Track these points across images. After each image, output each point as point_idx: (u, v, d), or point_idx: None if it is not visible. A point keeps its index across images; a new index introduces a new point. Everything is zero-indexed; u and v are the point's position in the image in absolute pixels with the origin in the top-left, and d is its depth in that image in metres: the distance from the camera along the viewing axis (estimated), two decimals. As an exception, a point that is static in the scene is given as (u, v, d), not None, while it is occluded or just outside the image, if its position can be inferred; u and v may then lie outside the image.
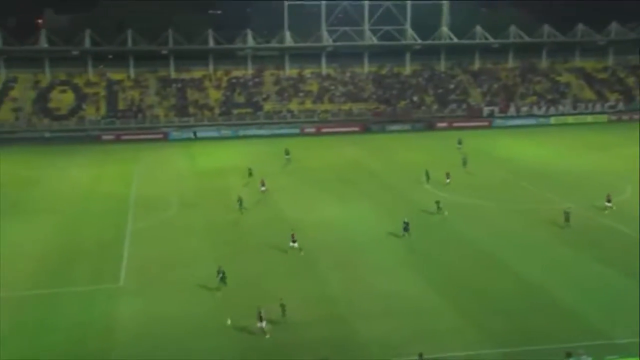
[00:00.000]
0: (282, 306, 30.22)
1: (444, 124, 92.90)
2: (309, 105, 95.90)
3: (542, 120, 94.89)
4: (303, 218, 46.84)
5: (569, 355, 24.79)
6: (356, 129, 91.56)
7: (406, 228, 41.11)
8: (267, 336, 28.65)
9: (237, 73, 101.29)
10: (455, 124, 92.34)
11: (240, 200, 48.66)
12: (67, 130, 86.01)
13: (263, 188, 53.79)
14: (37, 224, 46.36)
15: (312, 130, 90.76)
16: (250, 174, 58.53)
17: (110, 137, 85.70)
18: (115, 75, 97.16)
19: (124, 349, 28.13)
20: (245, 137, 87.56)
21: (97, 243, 42.17)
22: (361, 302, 32.65)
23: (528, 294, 33.21)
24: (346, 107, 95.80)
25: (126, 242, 42.37)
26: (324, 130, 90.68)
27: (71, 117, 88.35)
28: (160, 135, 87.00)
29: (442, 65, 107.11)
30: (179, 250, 40.77)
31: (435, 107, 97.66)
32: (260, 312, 28.89)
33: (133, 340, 28.87)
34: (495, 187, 55.58)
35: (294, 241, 39.35)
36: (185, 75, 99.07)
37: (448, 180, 55.29)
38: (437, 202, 46.96)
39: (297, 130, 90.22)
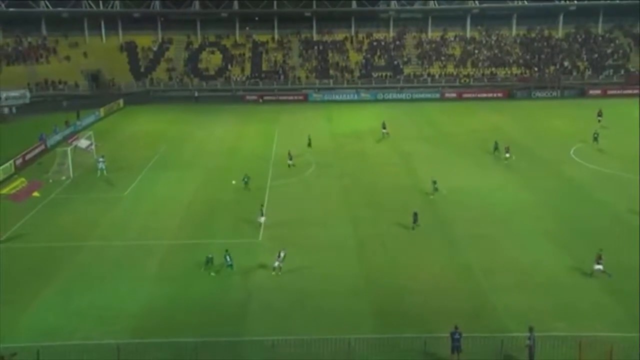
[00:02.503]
0: None
1: (597, 92, 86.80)
2: (450, 69, 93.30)
3: None
4: (440, 185, 45.83)
5: None
6: (499, 94, 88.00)
7: (415, 220, 37.34)
8: None
9: (378, 35, 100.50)
10: (610, 92, 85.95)
11: (246, 178, 45.37)
12: (214, 90, 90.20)
13: (290, 162, 51.02)
14: (185, 178, 49.10)
15: (453, 95, 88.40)
16: (309, 144, 56.56)
17: (253, 97, 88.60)
18: (260, 36, 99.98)
19: (261, 302, 29.19)
20: (384, 100, 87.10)
21: (239, 199, 43.81)
22: (498, 274, 31.53)
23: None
24: (490, 71, 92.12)
25: (266, 199, 43.75)
26: (465, 95, 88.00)
27: (218, 77, 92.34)
28: (301, 97, 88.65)
29: (599, 28, 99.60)
30: (315, 209, 41.48)
31: (588, 73, 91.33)
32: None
33: (269, 294, 29.86)
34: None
35: (262, 215, 38.00)
36: (327, 38, 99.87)
37: (507, 155, 51.48)
38: (434, 182, 43.43)
39: (437, 95, 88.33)
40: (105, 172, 49.78)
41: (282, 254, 31.66)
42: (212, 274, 31.76)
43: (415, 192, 44.68)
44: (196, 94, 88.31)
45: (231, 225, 38.65)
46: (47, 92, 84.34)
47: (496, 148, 53.81)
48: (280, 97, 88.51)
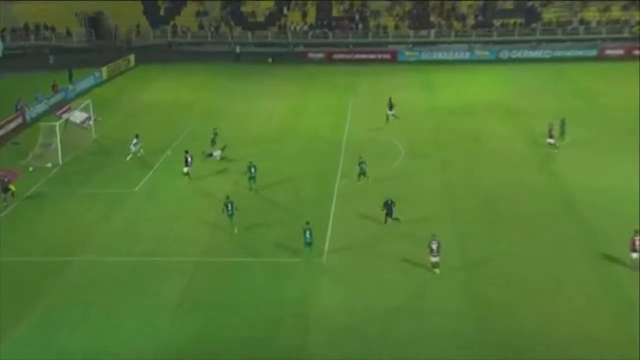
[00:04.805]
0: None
1: None
2: (616, 12, 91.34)
3: None
4: (585, 182, 45.69)
5: None
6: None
7: (389, 212, 39.95)
8: None
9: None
10: None
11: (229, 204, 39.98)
12: (263, 45, 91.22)
13: (216, 153, 51.56)
14: (218, 169, 49.82)
15: (619, 52, 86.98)
16: (213, 141, 53.23)
17: (319, 55, 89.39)
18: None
19: (323, 350, 29.41)
20: (510, 60, 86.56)
21: (297, 201, 44.38)
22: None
23: None
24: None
25: (334, 202, 44.11)
26: (637, 52, 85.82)
27: (270, 26, 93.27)
28: (387, 55, 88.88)
29: None
30: (402, 217, 41.41)
31: None
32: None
33: (335, 338, 30.07)
34: None
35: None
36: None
37: (551, 140, 52.01)
38: (360, 163, 46.16)
39: (593, 53, 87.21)
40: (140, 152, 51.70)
41: (434, 246, 34.19)
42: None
43: (550, 194, 44.39)
44: (238, 50, 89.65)
45: (282, 237, 39.01)
46: (28, 42, 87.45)
47: (563, 130, 54.19)
48: (357, 56, 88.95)
